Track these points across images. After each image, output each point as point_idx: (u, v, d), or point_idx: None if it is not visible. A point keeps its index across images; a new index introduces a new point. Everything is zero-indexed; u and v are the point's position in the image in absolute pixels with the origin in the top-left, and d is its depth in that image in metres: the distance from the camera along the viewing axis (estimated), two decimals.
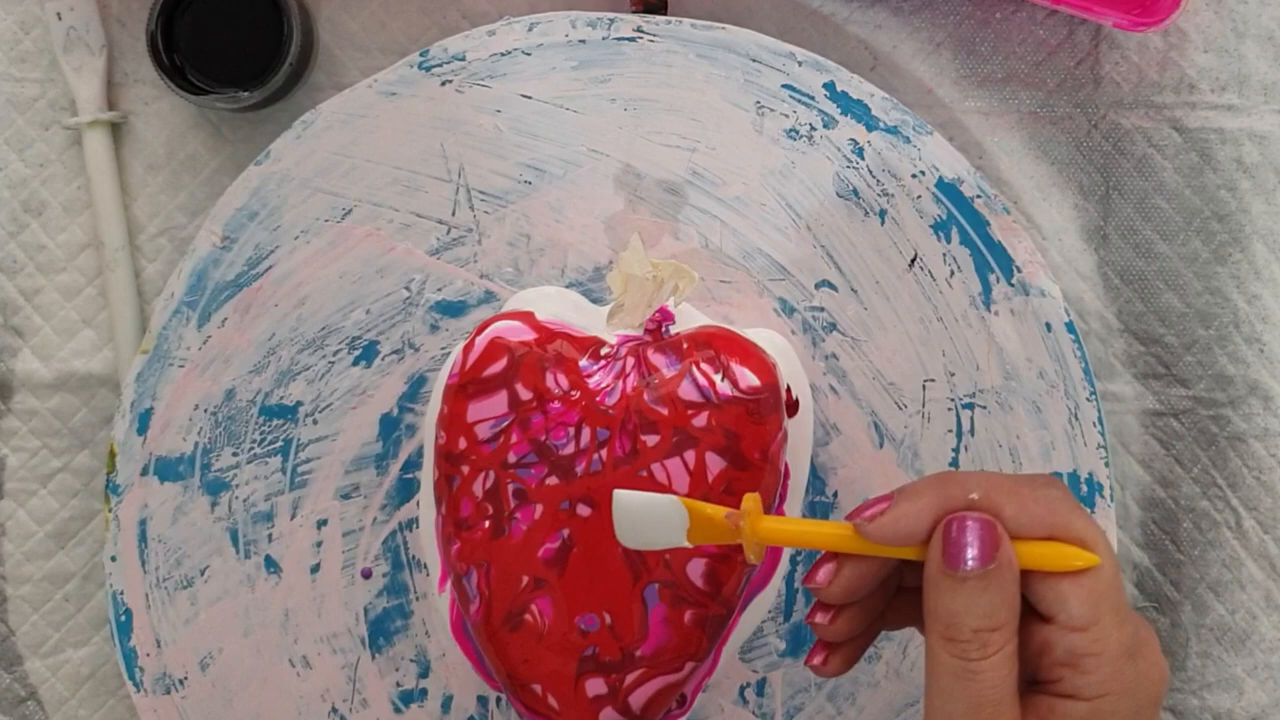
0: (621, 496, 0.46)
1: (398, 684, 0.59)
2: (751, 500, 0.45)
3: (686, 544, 0.46)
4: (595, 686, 0.54)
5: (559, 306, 0.57)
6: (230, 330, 0.59)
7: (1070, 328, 0.58)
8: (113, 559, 0.59)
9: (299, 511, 0.59)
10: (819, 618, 0.46)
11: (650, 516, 0.46)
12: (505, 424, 0.54)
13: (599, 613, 0.54)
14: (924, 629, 0.43)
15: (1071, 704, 0.42)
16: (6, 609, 0.63)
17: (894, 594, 0.47)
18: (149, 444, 0.59)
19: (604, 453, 0.54)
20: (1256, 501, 0.62)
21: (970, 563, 0.41)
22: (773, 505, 0.56)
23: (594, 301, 0.59)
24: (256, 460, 0.59)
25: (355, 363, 0.59)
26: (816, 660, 0.47)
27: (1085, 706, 0.42)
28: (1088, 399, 0.58)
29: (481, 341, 0.55)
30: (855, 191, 0.59)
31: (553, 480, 0.54)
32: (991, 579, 0.41)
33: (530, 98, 0.59)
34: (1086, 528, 0.42)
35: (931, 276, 0.59)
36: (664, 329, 0.56)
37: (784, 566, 0.58)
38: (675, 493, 0.53)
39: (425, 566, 0.59)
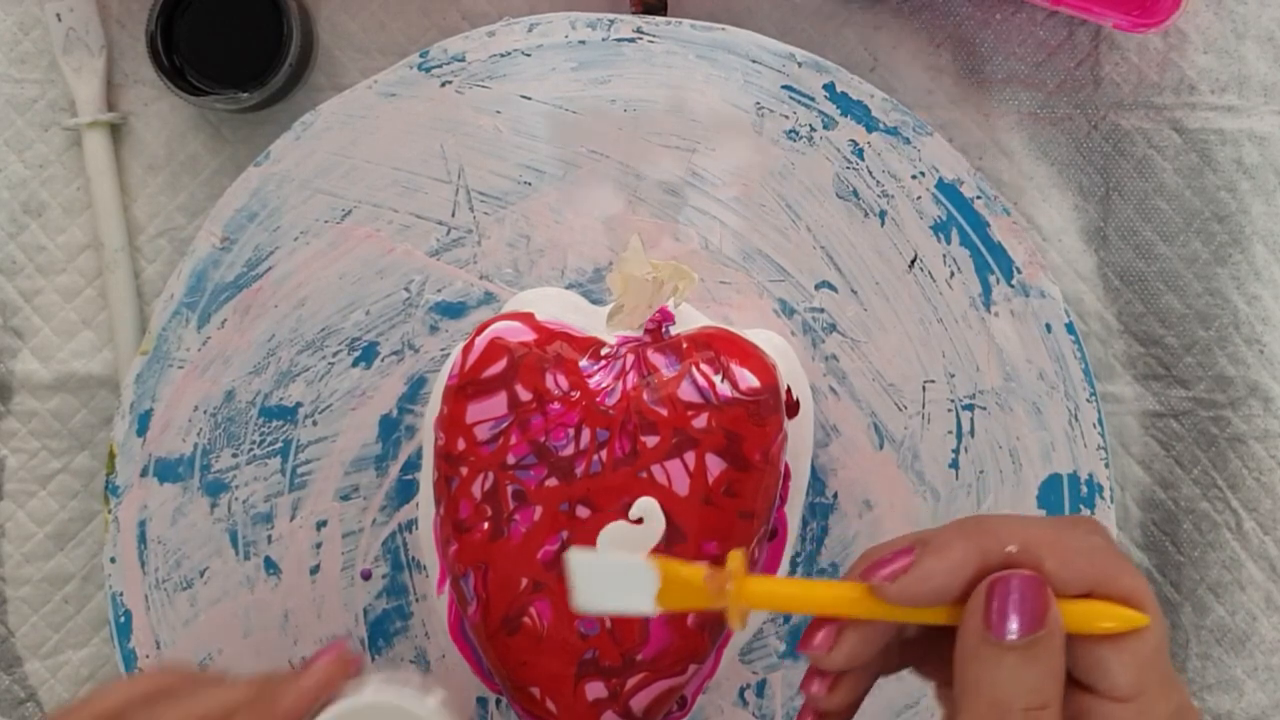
0: (579, 558, 0.39)
1: None
2: (737, 559, 0.39)
3: (653, 612, 0.39)
4: (595, 690, 0.54)
5: (559, 307, 0.57)
6: (230, 331, 0.59)
7: (1070, 329, 0.58)
8: (112, 560, 0.59)
9: (299, 513, 0.59)
10: (815, 688, 0.40)
11: (614, 579, 0.39)
12: (504, 425, 0.54)
13: (599, 616, 0.54)
14: (948, 697, 0.38)
15: None
16: (6, 610, 0.63)
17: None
18: (148, 445, 0.59)
19: (604, 454, 0.54)
20: (1256, 503, 0.62)
21: (1016, 631, 0.36)
22: (773, 507, 0.56)
23: (594, 302, 0.59)
24: (256, 461, 0.59)
25: (355, 364, 0.59)
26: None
27: None
28: (1088, 400, 0.58)
29: (481, 342, 0.55)
30: (855, 192, 0.59)
31: (552, 481, 0.54)
32: (1041, 648, 0.36)
33: (530, 99, 0.59)
34: (1133, 583, 0.38)
35: (931, 277, 0.58)
36: (664, 330, 0.56)
37: (784, 568, 0.58)
38: (676, 495, 0.53)
39: (425, 568, 0.59)
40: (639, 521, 0.53)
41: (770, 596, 0.39)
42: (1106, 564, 0.38)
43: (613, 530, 0.53)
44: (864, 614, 0.38)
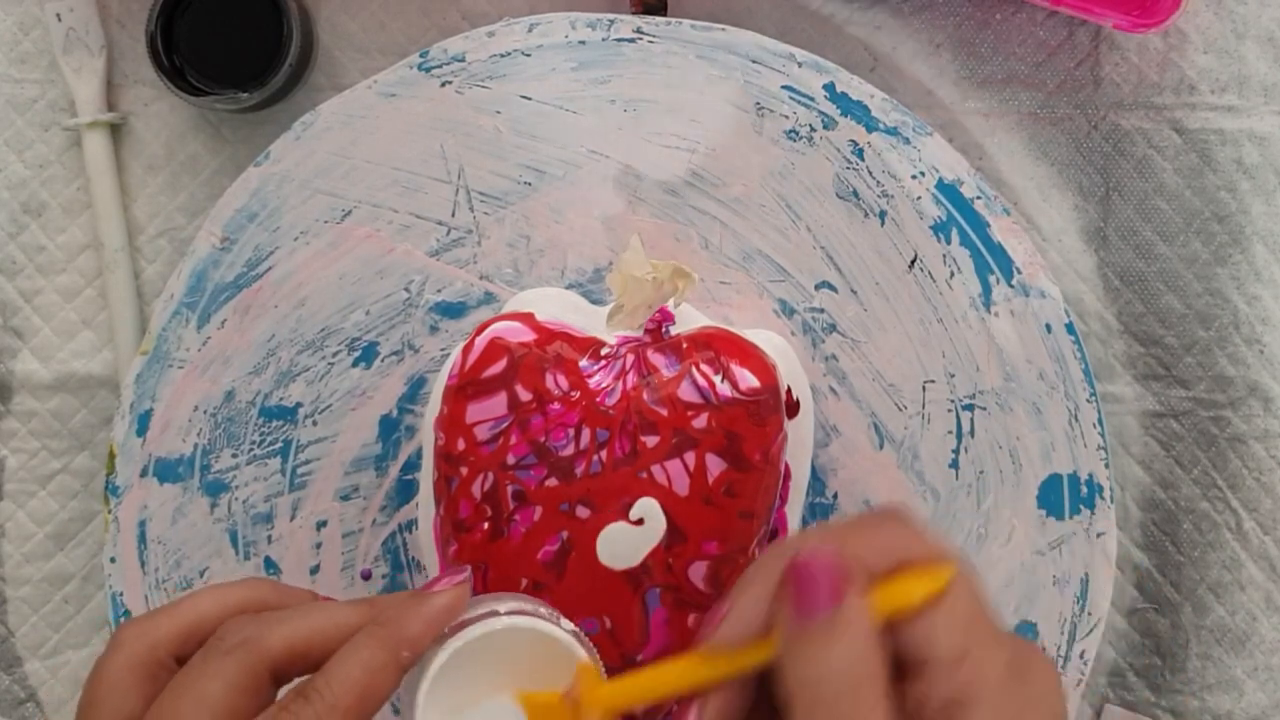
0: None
1: None
2: (586, 672, 0.42)
3: None
4: None
5: (559, 307, 0.57)
6: (230, 331, 0.59)
7: (1070, 329, 0.58)
8: (112, 560, 0.59)
9: (298, 513, 0.59)
10: None
11: None
12: (504, 425, 0.54)
13: (599, 617, 0.54)
14: (784, 710, 0.37)
15: None
16: (6, 610, 0.63)
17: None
18: (148, 445, 0.59)
19: (604, 454, 0.54)
20: (1257, 503, 0.62)
21: (820, 605, 0.36)
22: (773, 507, 0.56)
23: (594, 302, 0.59)
24: (256, 461, 0.59)
25: (355, 364, 0.59)
26: None
27: None
28: (1088, 400, 0.58)
29: (481, 342, 0.55)
30: (855, 192, 0.59)
31: (552, 482, 0.54)
32: (848, 618, 0.36)
33: (530, 99, 0.59)
34: (933, 548, 0.38)
35: (931, 277, 0.58)
36: (664, 330, 0.56)
37: None
38: (676, 495, 0.53)
39: (424, 568, 0.59)
40: (639, 522, 0.53)
41: (621, 696, 0.41)
42: (902, 537, 0.38)
43: (613, 530, 0.53)
44: (711, 678, 0.39)
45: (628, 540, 0.53)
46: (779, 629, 0.37)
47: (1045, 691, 0.38)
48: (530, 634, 0.42)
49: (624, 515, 0.54)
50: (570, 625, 0.43)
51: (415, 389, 0.59)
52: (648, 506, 0.53)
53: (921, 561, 0.38)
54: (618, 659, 0.54)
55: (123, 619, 0.59)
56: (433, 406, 0.57)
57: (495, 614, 0.42)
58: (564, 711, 0.41)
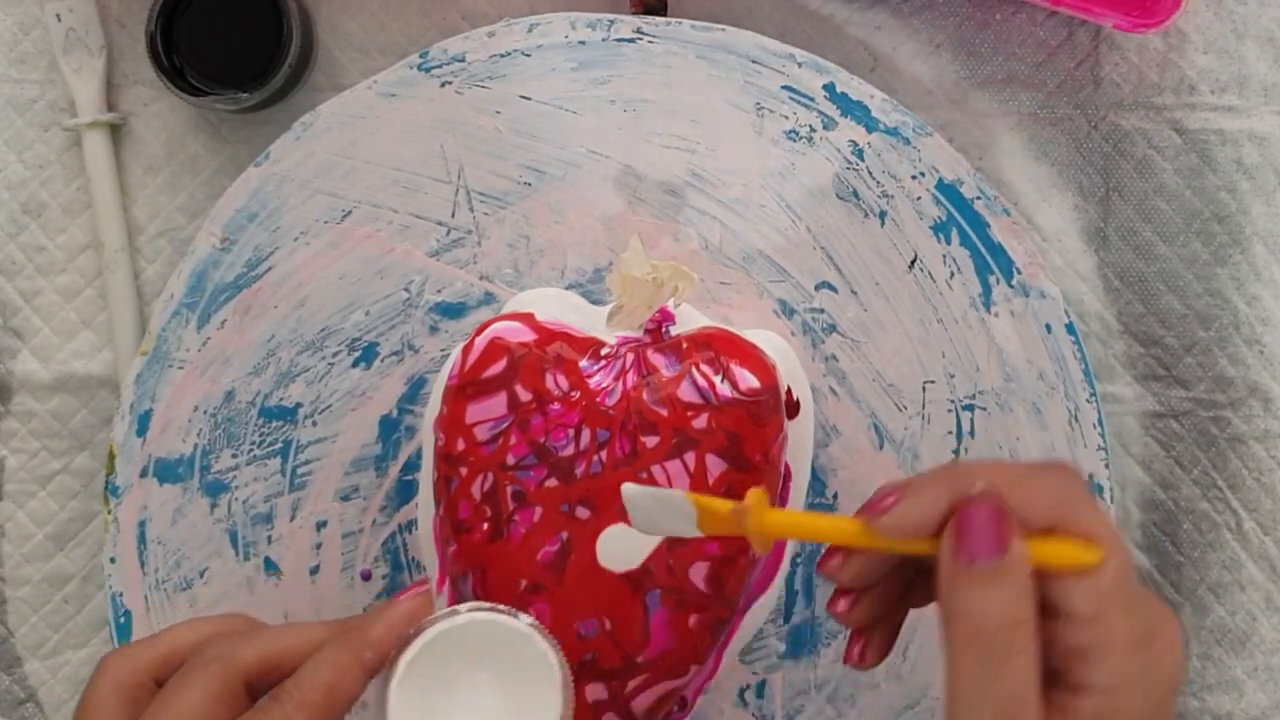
0: (630, 489, 0.45)
1: None
2: (756, 495, 0.44)
3: (698, 533, 0.45)
4: (595, 691, 0.54)
5: (559, 308, 0.57)
6: (230, 331, 0.59)
7: (1070, 329, 0.58)
8: (112, 560, 0.59)
9: (298, 513, 0.59)
10: (840, 606, 0.45)
11: (660, 508, 0.45)
12: (504, 425, 0.54)
13: (599, 618, 0.54)
14: (943, 626, 0.42)
15: (1084, 696, 0.41)
16: (6, 610, 0.63)
17: (914, 574, 0.46)
18: (148, 445, 0.59)
19: (604, 454, 0.54)
20: (1257, 503, 0.62)
21: (984, 554, 0.40)
22: (773, 506, 0.56)
23: (594, 303, 0.59)
24: (256, 462, 0.59)
25: (355, 364, 0.59)
26: (854, 654, 0.46)
27: (1097, 699, 0.41)
28: (1088, 400, 0.58)
29: (481, 342, 0.55)
30: (855, 193, 0.59)
31: (552, 482, 0.54)
32: (1007, 571, 0.40)
33: (530, 99, 0.59)
34: (1092, 521, 0.41)
35: (931, 278, 0.58)
36: (664, 330, 0.56)
37: (784, 568, 0.58)
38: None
39: (424, 568, 0.59)
40: None
41: (784, 525, 0.45)
42: (1067, 501, 0.41)
43: (613, 533, 0.53)
44: (862, 543, 0.43)
45: (628, 542, 0.53)
46: (942, 556, 0.41)
47: (1164, 658, 0.42)
48: (491, 628, 0.45)
49: (624, 516, 0.54)
50: (529, 618, 0.45)
51: (415, 389, 0.59)
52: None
53: (1082, 531, 0.41)
54: (619, 660, 0.54)
55: (122, 619, 0.59)
56: (432, 407, 0.57)
57: (455, 613, 0.45)
58: (730, 522, 0.44)
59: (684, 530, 0.45)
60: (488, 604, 0.45)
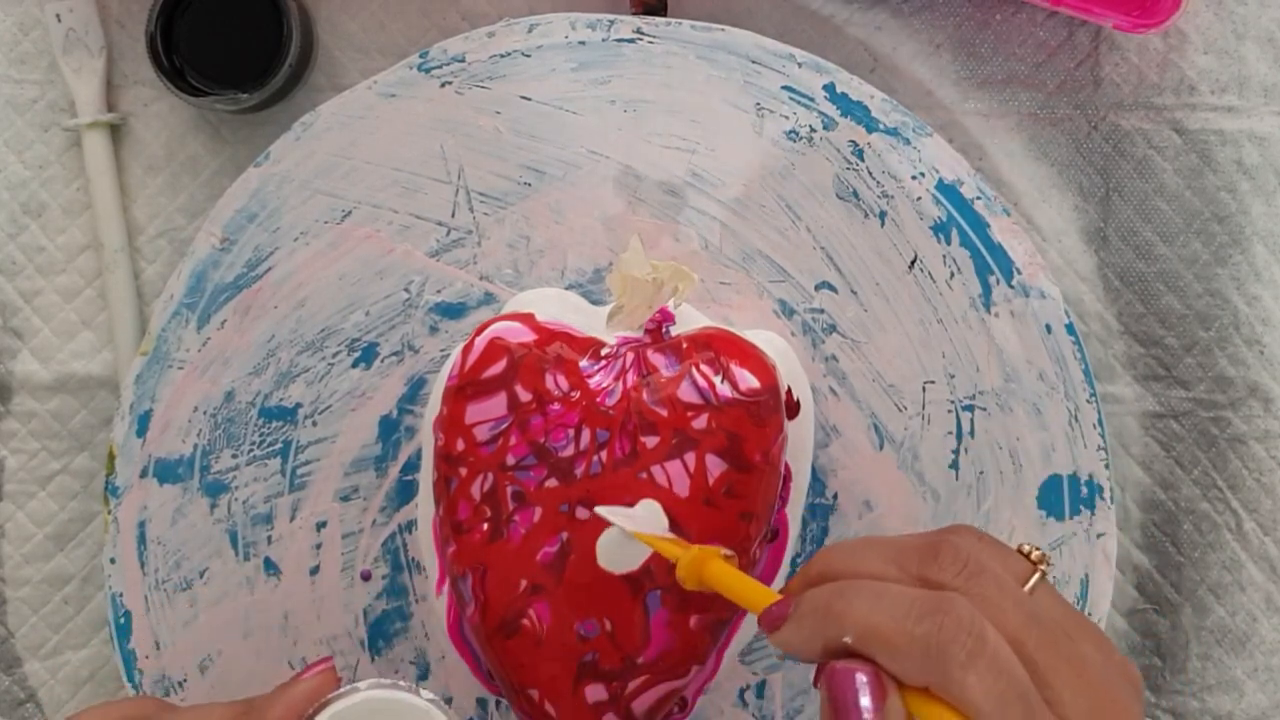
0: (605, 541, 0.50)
1: None
2: (700, 553, 0.48)
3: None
4: (595, 693, 0.54)
5: (559, 308, 0.57)
6: (230, 332, 0.59)
7: (1070, 329, 0.58)
8: (112, 561, 0.59)
9: (298, 513, 0.59)
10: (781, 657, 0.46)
11: (620, 549, 0.49)
12: (504, 426, 0.54)
13: (599, 619, 0.54)
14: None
15: None
16: (6, 611, 0.63)
17: None
18: (148, 446, 0.59)
19: (604, 454, 0.54)
20: (1257, 503, 0.62)
21: (859, 718, 0.39)
22: (774, 508, 0.56)
23: (594, 303, 0.59)
24: (256, 462, 0.59)
25: (355, 364, 0.59)
26: (818, 683, 0.45)
27: None
28: (1088, 401, 0.58)
29: (481, 343, 0.55)
30: (855, 193, 0.59)
31: (552, 482, 0.54)
32: None
33: (530, 99, 0.59)
34: (964, 690, 0.38)
35: (931, 278, 0.58)
36: (664, 330, 0.56)
37: (784, 569, 0.58)
38: (677, 496, 0.53)
39: (424, 569, 0.59)
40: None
41: (720, 578, 0.47)
42: (936, 667, 0.39)
43: (612, 535, 0.53)
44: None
45: (627, 545, 0.53)
46: (821, 709, 0.40)
47: None
48: (391, 705, 0.45)
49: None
50: (430, 694, 0.45)
51: (415, 390, 0.59)
52: (652, 511, 0.53)
53: (955, 697, 0.38)
54: (619, 662, 0.54)
55: (122, 619, 0.59)
56: (432, 407, 0.57)
57: (355, 689, 0.45)
58: (672, 555, 0.48)
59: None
60: (388, 680, 0.45)
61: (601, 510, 0.50)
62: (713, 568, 0.47)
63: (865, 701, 0.39)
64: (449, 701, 0.57)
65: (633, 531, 0.49)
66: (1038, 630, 0.40)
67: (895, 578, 0.42)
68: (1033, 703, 0.39)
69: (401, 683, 0.45)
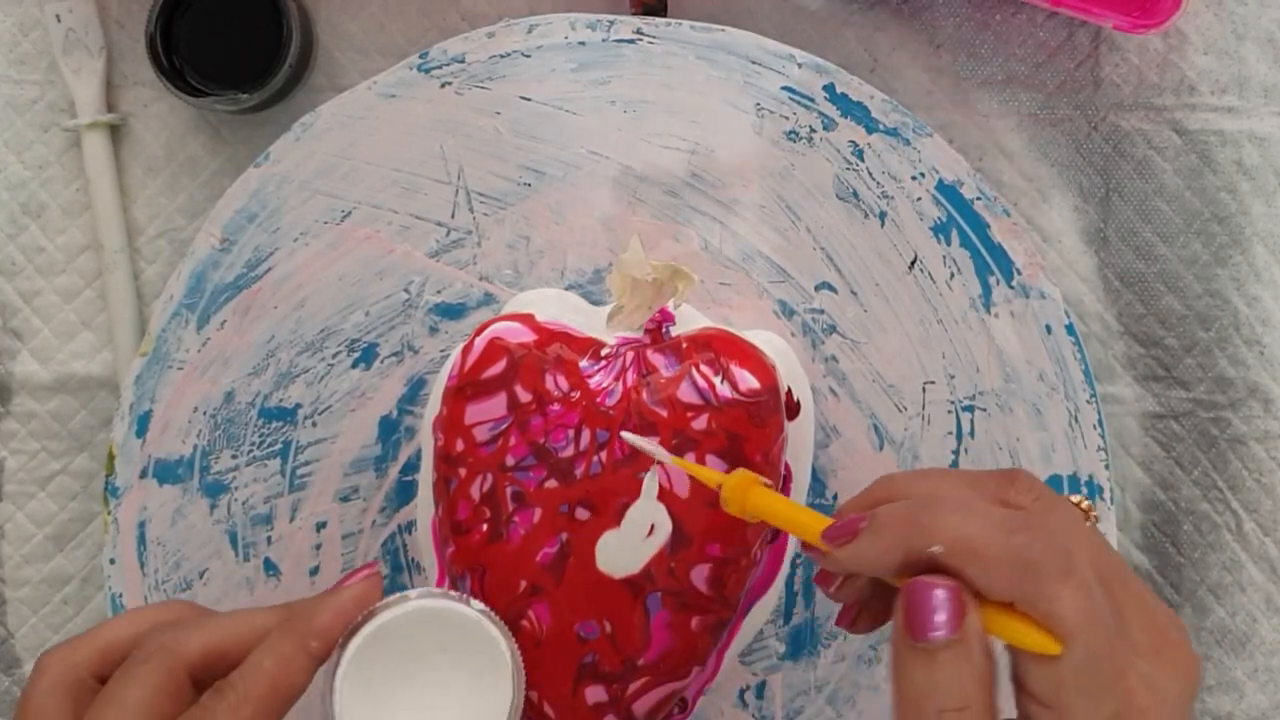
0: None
1: None
2: (740, 475, 0.46)
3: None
4: (595, 694, 0.54)
5: (558, 308, 0.57)
6: (229, 332, 0.59)
7: (1070, 330, 0.58)
8: (112, 561, 0.59)
9: (298, 514, 0.59)
10: (827, 587, 0.44)
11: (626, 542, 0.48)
12: (504, 426, 0.54)
13: (599, 620, 0.53)
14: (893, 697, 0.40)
15: None
16: (5, 612, 0.63)
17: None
18: (148, 446, 0.59)
19: (604, 454, 0.54)
20: (1257, 504, 0.62)
21: (932, 634, 0.38)
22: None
23: (594, 303, 0.59)
24: (256, 462, 0.59)
25: (354, 365, 0.59)
26: (845, 622, 0.45)
27: None
28: (1088, 401, 0.58)
29: (480, 343, 0.55)
30: (855, 193, 0.59)
31: (552, 483, 0.54)
32: (954, 653, 0.38)
33: (530, 99, 0.59)
34: (1056, 604, 0.38)
35: (931, 278, 0.58)
36: (664, 330, 0.56)
37: (785, 570, 0.58)
38: (677, 496, 0.53)
39: (424, 569, 0.59)
40: (649, 531, 0.53)
41: (763, 508, 0.45)
42: (1031, 579, 0.38)
43: (611, 538, 0.53)
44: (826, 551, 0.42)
45: (626, 549, 0.53)
46: (893, 626, 0.39)
47: None
48: (441, 614, 0.44)
49: (624, 517, 0.54)
50: (479, 605, 0.44)
51: (415, 390, 0.59)
52: (656, 513, 0.53)
53: (1043, 613, 0.38)
54: (619, 664, 0.54)
55: None
56: (432, 407, 0.57)
57: (405, 598, 0.44)
58: (713, 480, 0.46)
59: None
60: (439, 590, 0.45)
61: (628, 436, 0.48)
62: (758, 493, 0.45)
63: (944, 619, 0.38)
64: None
65: (671, 459, 0.48)
66: (1108, 563, 0.40)
67: (974, 499, 0.41)
68: (1113, 627, 0.39)
69: (452, 593, 0.44)
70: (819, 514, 0.43)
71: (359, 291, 0.59)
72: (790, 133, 0.59)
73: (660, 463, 0.53)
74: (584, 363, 0.55)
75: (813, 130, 0.59)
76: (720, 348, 0.55)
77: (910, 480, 0.43)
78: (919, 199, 0.58)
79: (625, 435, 0.51)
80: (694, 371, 0.54)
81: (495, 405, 0.54)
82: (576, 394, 0.54)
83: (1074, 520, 0.40)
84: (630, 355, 0.55)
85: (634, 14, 0.60)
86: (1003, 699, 0.39)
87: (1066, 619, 0.38)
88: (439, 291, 0.59)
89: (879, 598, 0.44)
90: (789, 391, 0.57)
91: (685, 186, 0.59)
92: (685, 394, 0.54)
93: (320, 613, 0.43)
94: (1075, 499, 0.43)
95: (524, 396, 0.54)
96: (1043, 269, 0.58)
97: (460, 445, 0.54)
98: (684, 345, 0.55)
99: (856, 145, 0.58)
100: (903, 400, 0.59)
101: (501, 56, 0.59)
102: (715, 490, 0.47)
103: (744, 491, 0.45)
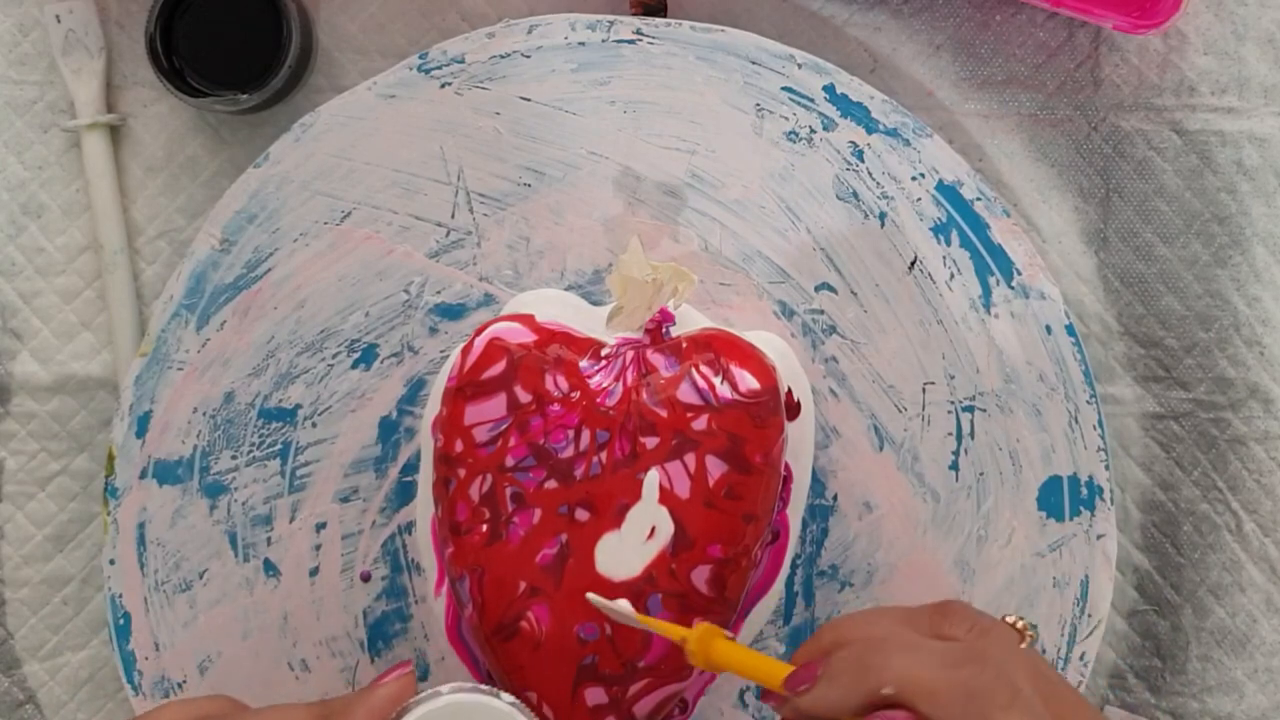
0: (594, 599, 0.49)
1: None
2: (702, 629, 0.47)
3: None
4: (595, 695, 0.54)
5: (558, 309, 0.57)
6: (229, 333, 0.59)
7: (1070, 330, 0.58)
8: (111, 562, 0.59)
9: (298, 514, 0.59)
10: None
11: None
12: (503, 427, 0.54)
13: (599, 622, 0.53)
14: None
15: None
16: (5, 612, 0.63)
17: None
18: (148, 447, 0.59)
19: (603, 455, 0.54)
20: (1257, 504, 0.62)
21: None
22: (775, 509, 0.56)
23: (594, 304, 0.59)
24: (255, 463, 0.59)
25: (354, 365, 0.59)
26: None
27: None
28: (1088, 402, 0.58)
29: (480, 343, 0.55)
30: (855, 194, 0.59)
31: (551, 484, 0.54)
32: None
33: (529, 100, 0.59)
34: None
35: (931, 279, 0.58)
36: (664, 330, 0.56)
37: (784, 571, 0.58)
38: (677, 497, 0.53)
39: (424, 570, 0.59)
40: (650, 534, 0.53)
41: (727, 660, 0.46)
42: (976, 711, 0.40)
43: (610, 541, 0.53)
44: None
45: (626, 553, 0.53)
46: None
47: None
48: (473, 708, 0.45)
49: (623, 518, 0.54)
50: (510, 698, 0.45)
51: (415, 391, 0.59)
52: (658, 516, 0.53)
53: None
54: (619, 666, 0.54)
55: (122, 620, 0.59)
56: (432, 408, 0.57)
57: (437, 694, 0.45)
58: (678, 636, 0.47)
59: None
60: (469, 684, 0.45)
61: (593, 598, 0.50)
62: (720, 646, 0.47)
63: None
64: None
65: (636, 616, 0.49)
66: (1047, 681, 0.42)
67: (916, 638, 0.43)
68: None
69: (483, 687, 0.45)
70: (780, 662, 0.45)
71: (359, 292, 0.59)
72: (790, 133, 0.59)
73: (659, 464, 0.53)
74: (584, 363, 0.55)
75: (813, 131, 0.59)
76: (720, 348, 0.55)
77: (853, 623, 0.45)
78: (919, 199, 0.58)
79: (590, 597, 0.50)
80: (694, 372, 0.54)
81: (495, 406, 0.54)
82: (576, 394, 0.54)
83: (1010, 645, 0.43)
84: (630, 355, 0.55)
85: (634, 14, 0.60)
86: None
87: None
88: (439, 292, 0.59)
89: None
90: (789, 392, 0.57)
91: (685, 187, 0.59)
92: (685, 394, 0.54)
93: (355, 711, 0.44)
94: (1010, 619, 0.45)
95: (524, 397, 0.54)
96: (1043, 269, 0.58)
97: (459, 446, 0.54)
98: (684, 345, 0.55)
99: (856, 146, 0.58)
100: (903, 401, 0.59)
101: (501, 57, 0.59)
102: (690, 661, 0.47)
103: (708, 644, 0.46)
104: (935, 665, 0.41)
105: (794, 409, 0.57)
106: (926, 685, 0.40)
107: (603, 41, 0.59)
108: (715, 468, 0.53)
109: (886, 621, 0.44)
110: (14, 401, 0.63)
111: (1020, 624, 0.45)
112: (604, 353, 0.55)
